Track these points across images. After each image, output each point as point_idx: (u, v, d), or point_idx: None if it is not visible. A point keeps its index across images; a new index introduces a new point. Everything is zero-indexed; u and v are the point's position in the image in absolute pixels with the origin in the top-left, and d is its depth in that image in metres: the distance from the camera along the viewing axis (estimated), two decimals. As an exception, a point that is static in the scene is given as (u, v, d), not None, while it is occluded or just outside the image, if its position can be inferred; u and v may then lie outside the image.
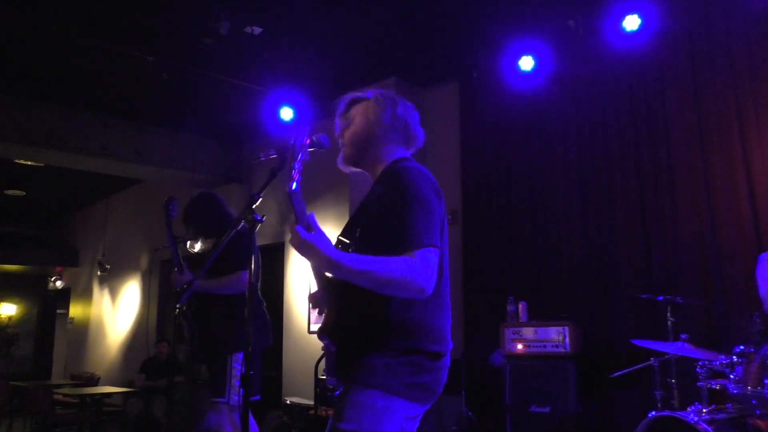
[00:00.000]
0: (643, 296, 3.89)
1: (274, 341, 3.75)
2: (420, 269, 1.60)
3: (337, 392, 1.76)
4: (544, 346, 4.56)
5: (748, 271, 3.93)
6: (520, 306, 4.86)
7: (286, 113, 6.28)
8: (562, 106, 5.13)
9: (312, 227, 1.67)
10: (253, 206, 1.95)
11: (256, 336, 3.28)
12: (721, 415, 2.80)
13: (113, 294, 10.68)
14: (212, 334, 3.33)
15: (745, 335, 3.01)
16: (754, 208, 4.01)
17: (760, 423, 2.77)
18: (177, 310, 3.39)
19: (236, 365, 3.19)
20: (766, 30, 4.06)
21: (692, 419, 2.73)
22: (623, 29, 4.57)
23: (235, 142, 8.14)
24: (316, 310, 1.97)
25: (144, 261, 9.86)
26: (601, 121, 4.89)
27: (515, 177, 5.40)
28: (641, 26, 4.50)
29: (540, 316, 4.74)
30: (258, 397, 3.05)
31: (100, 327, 10.91)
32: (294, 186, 1.66)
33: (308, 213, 1.69)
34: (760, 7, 4.04)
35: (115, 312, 10.51)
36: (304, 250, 1.61)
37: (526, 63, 5.21)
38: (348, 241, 1.83)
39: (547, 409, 4.42)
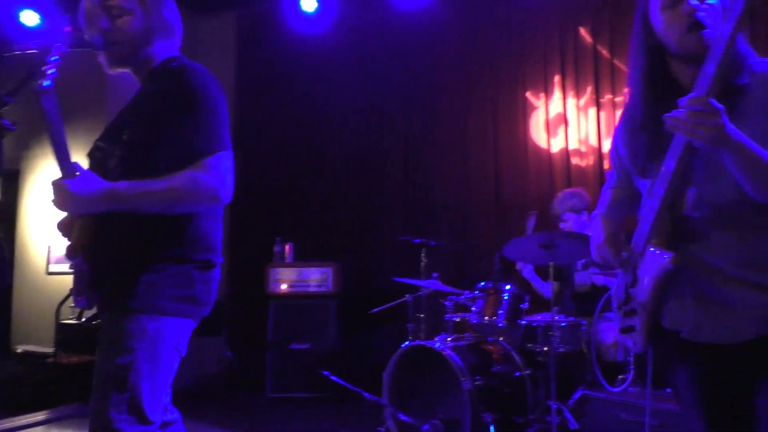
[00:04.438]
0: (402, 239, 4.20)
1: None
2: (211, 177, 1.52)
3: (88, 317, 1.60)
4: (308, 286, 4.73)
5: (489, 222, 4.54)
6: (287, 247, 4.93)
7: (30, 17, 5.34)
8: (344, 54, 5.21)
9: (77, 171, 1.51)
10: (2, 110, 1.62)
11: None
12: (462, 342, 3.21)
13: None
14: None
15: (487, 274, 3.46)
16: (497, 171, 4.60)
17: (491, 348, 3.25)
18: None
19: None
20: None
21: (439, 347, 3.07)
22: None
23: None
24: (68, 236, 1.71)
25: None
26: (379, 72, 5.09)
27: (292, 120, 5.37)
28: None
29: (307, 257, 4.87)
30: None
31: None
32: (46, 83, 1.43)
33: (72, 162, 1.51)
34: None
35: None
36: (78, 204, 1.49)
37: (309, 4, 5.14)
38: (109, 148, 1.63)
39: (307, 345, 4.61)
